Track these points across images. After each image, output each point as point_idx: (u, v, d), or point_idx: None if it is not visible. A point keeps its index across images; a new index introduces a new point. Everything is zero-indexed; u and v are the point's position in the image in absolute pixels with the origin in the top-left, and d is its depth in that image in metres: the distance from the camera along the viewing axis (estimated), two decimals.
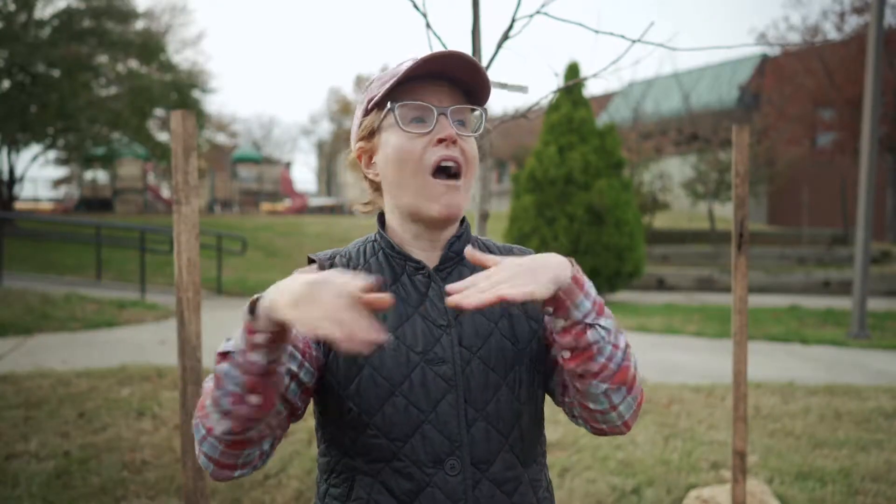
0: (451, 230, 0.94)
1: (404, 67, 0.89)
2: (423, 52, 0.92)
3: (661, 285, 11.50)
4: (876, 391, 4.53)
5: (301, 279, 0.72)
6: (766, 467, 3.08)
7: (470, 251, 0.80)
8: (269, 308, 0.73)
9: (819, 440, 3.45)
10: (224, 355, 0.77)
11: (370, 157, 0.95)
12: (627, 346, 0.85)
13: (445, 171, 0.89)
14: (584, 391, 0.84)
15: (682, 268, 12.29)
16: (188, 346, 1.59)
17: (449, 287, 0.77)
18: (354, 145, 0.97)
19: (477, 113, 0.93)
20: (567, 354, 0.82)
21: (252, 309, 0.76)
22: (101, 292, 8.10)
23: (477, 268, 0.94)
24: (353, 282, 0.70)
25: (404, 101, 0.88)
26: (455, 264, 0.93)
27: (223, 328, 6.85)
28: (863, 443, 3.41)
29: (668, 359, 5.73)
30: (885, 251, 12.71)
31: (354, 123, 0.97)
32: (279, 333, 0.74)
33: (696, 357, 5.85)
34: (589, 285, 0.83)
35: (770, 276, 11.36)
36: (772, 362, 5.57)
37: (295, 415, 0.87)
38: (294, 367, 0.84)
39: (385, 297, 0.71)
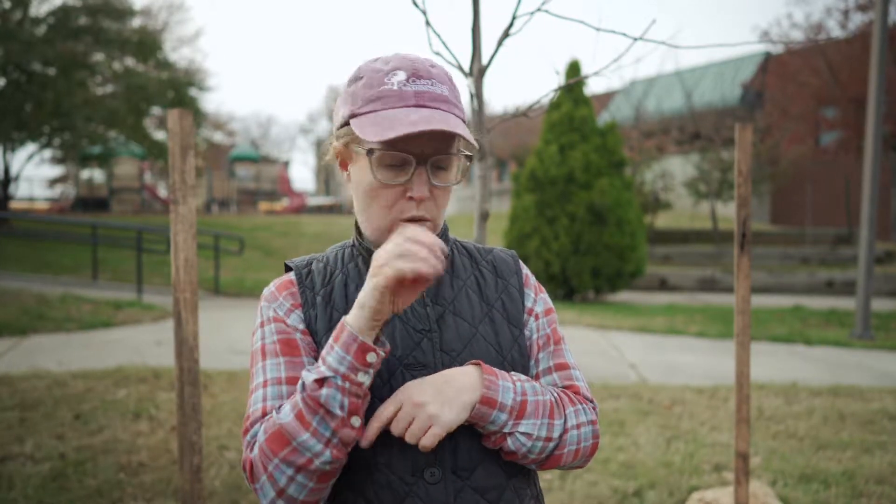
0: None
1: (388, 87, 0.84)
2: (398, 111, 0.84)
3: (662, 285, 11.47)
4: (880, 392, 4.50)
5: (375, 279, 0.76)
6: (769, 469, 3.05)
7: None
8: (372, 314, 0.76)
9: (823, 442, 3.43)
10: (322, 381, 0.76)
11: (345, 161, 0.92)
12: (566, 430, 0.87)
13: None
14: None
15: (684, 268, 12.26)
16: (185, 347, 1.58)
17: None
18: (333, 140, 0.93)
19: (462, 161, 0.88)
20: (487, 445, 0.86)
21: (344, 329, 0.78)
22: (98, 293, 8.09)
23: (455, 271, 0.94)
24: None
25: (385, 151, 0.83)
26: None
27: (221, 328, 6.83)
28: (867, 445, 3.38)
29: (670, 360, 5.69)
30: (889, 251, 12.66)
31: (336, 112, 0.92)
32: (385, 350, 0.78)
33: (699, 358, 5.81)
34: (503, 394, 0.83)
35: (773, 277, 11.31)
36: (775, 363, 5.54)
37: None
38: None
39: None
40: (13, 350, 5.22)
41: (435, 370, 0.85)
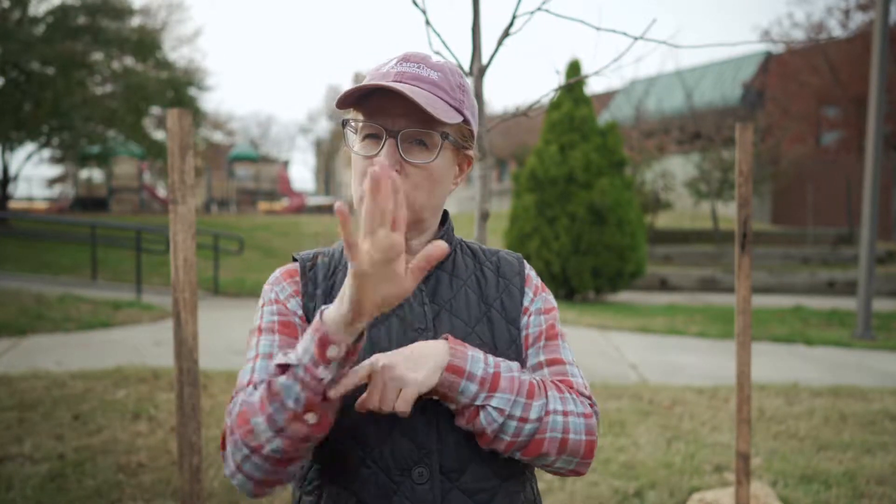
0: (423, 235, 0.91)
1: (377, 70, 0.87)
2: (385, 60, 0.88)
3: (663, 285, 11.45)
4: (881, 393, 4.49)
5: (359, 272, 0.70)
6: (770, 470, 3.04)
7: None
8: (351, 306, 0.69)
9: (824, 442, 3.42)
10: (284, 368, 0.73)
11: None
12: (546, 413, 0.82)
13: None
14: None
15: (684, 268, 12.24)
16: (185, 348, 1.57)
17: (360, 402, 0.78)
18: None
19: (441, 134, 0.85)
20: (459, 424, 0.83)
21: (323, 320, 0.72)
22: (97, 293, 8.07)
23: (456, 270, 0.93)
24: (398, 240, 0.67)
25: (355, 119, 0.86)
26: (434, 268, 0.91)
27: (220, 329, 6.83)
28: (868, 445, 3.37)
29: (671, 360, 5.69)
30: (890, 251, 12.64)
31: None
32: (355, 346, 0.73)
33: (699, 358, 5.80)
34: (472, 363, 0.80)
35: (774, 277, 11.30)
36: (776, 363, 5.53)
37: None
38: None
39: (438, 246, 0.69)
40: (12, 350, 5.21)
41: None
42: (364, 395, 0.78)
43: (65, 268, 10.08)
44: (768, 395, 4.37)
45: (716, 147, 13.87)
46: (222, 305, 8.23)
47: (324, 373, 0.71)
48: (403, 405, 0.77)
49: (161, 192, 22.28)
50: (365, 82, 0.84)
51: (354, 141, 0.88)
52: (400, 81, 0.84)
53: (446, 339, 0.83)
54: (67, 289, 8.01)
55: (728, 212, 15.26)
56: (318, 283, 0.90)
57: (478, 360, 0.81)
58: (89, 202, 19.92)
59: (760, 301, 9.32)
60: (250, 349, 0.86)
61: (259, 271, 10.94)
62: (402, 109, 0.83)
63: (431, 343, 0.81)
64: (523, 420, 0.80)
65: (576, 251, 9.52)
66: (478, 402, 0.80)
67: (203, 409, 3.62)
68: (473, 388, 0.80)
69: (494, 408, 0.80)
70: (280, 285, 0.90)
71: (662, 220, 15.32)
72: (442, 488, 0.84)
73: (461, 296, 0.91)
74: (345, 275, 0.90)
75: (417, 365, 0.78)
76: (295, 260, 0.94)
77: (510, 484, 0.88)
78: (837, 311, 8.40)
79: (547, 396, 0.83)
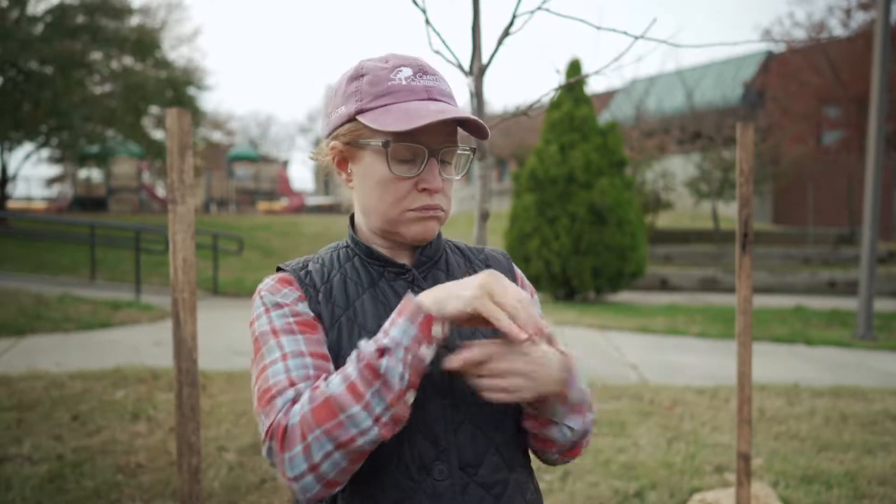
0: None
1: (397, 82, 0.86)
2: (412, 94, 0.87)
3: (663, 285, 11.44)
4: (882, 393, 4.48)
5: (479, 277, 0.78)
6: (770, 470, 3.03)
7: (450, 362, 0.80)
8: (459, 299, 0.76)
9: (825, 443, 3.41)
10: (383, 351, 0.74)
11: (345, 160, 0.92)
12: (589, 427, 0.90)
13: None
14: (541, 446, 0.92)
15: (685, 268, 12.23)
16: (184, 348, 1.57)
17: (449, 360, 0.79)
18: (328, 139, 0.92)
19: (465, 153, 0.92)
20: (527, 426, 0.88)
21: (411, 304, 0.77)
22: (96, 293, 8.06)
23: (450, 269, 0.94)
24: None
25: (399, 143, 0.85)
26: (429, 268, 0.93)
27: (220, 329, 6.82)
28: (869, 446, 3.36)
29: (671, 360, 5.67)
30: (891, 251, 12.62)
31: (334, 112, 0.91)
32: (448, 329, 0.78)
33: (700, 358, 5.79)
34: (574, 387, 0.85)
35: (775, 277, 11.29)
36: (776, 364, 5.52)
37: None
38: None
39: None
40: (11, 350, 5.21)
41: (438, 368, 0.86)
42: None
43: (64, 268, 10.07)
44: (769, 395, 4.36)
45: (716, 147, 13.85)
46: (222, 305, 8.23)
47: (426, 352, 0.75)
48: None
49: (160, 191, 22.27)
50: (395, 101, 0.85)
51: (375, 161, 0.87)
52: (433, 99, 0.87)
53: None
54: (66, 289, 8.00)
55: (729, 212, 15.25)
56: (317, 288, 0.89)
57: (578, 384, 0.86)
58: (88, 202, 19.91)
59: (761, 301, 9.31)
60: (270, 352, 0.83)
61: (258, 271, 10.94)
62: (441, 129, 0.85)
63: (558, 358, 0.83)
64: (582, 434, 0.89)
65: (576, 251, 9.51)
66: (556, 419, 0.86)
67: (202, 409, 3.62)
68: (564, 409, 0.85)
69: (568, 427, 0.86)
70: (281, 292, 0.88)
71: (663, 220, 15.31)
72: (461, 484, 0.84)
73: None
74: (342, 277, 0.89)
75: (536, 380, 0.82)
76: (281, 270, 0.93)
77: (518, 474, 0.90)
78: (838, 311, 8.39)
79: (592, 412, 0.91)
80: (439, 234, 0.95)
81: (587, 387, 0.88)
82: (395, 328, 0.75)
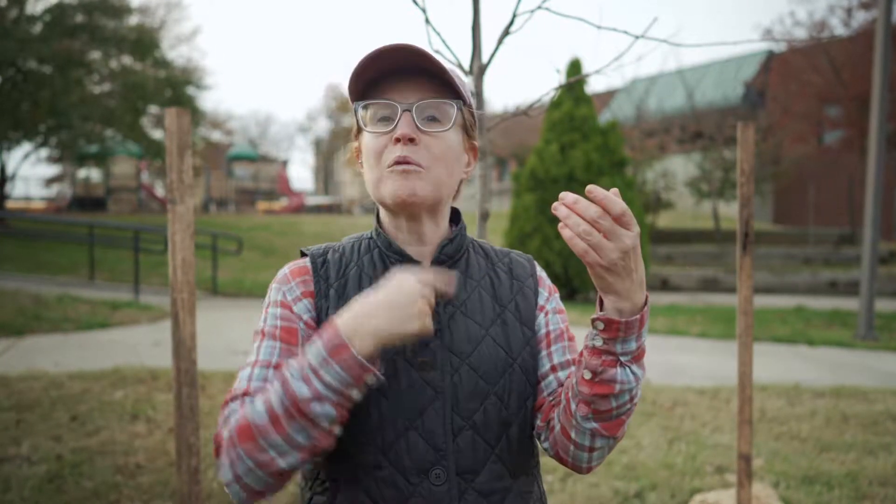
0: (440, 229, 0.91)
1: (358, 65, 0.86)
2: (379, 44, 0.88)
3: (664, 286, 11.43)
4: (883, 394, 4.47)
5: (375, 298, 0.76)
6: (771, 471, 3.02)
7: (593, 189, 0.76)
8: (375, 338, 0.74)
9: (826, 443, 3.40)
10: (320, 398, 0.72)
11: (359, 155, 0.94)
12: (634, 396, 0.82)
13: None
14: (572, 421, 0.82)
15: (686, 268, 12.22)
16: (183, 348, 1.56)
17: (591, 188, 0.75)
18: (352, 143, 0.96)
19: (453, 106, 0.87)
20: (588, 375, 0.79)
21: (346, 350, 0.73)
22: (95, 293, 8.06)
23: (469, 270, 0.93)
24: (422, 281, 0.76)
25: (368, 101, 0.87)
26: (447, 267, 0.92)
27: (219, 329, 6.81)
28: (870, 446, 3.35)
29: (672, 360, 5.66)
30: (893, 251, 12.60)
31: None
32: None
33: (701, 359, 5.78)
34: (646, 329, 0.79)
35: (776, 277, 11.27)
36: (777, 364, 5.51)
37: None
38: None
39: (448, 283, 0.76)
40: (10, 351, 5.20)
41: (443, 372, 0.84)
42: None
43: (62, 268, 10.06)
44: (770, 395, 4.35)
45: (717, 146, 13.84)
46: (221, 306, 8.22)
47: (357, 394, 0.74)
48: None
49: (159, 191, 22.26)
50: (370, 54, 0.84)
51: (366, 124, 0.88)
52: (394, 46, 0.85)
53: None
54: (65, 289, 8.00)
55: (729, 211, 15.24)
56: (330, 282, 0.89)
57: (647, 330, 0.80)
58: (87, 202, 19.86)
59: (762, 301, 9.29)
60: (251, 353, 0.85)
61: (258, 271, 10.93)
62: (414, 87, 0.85)
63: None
64: (632, 399, 0.80)
65: None
66: (623, 360, 0.77)
67: (201, 409, 3.61)
68: (633, 346, 0.77)
69: (634, 373, 0.78)
70: (288, 286, 0.88)
71: (663, 220, 15.29)
72: (459, 489, 0.83)
73: (475, 297, 0.90)
74: (358, 271, 0.89)
75: (632, 273, 0.75)
76: (304, 255, 0.93)
77: (521, 483, 0.88)
78: (839, 311, 8.37)
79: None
80: (462, 231, 0.93)
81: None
82: (327, 372, 0.72)
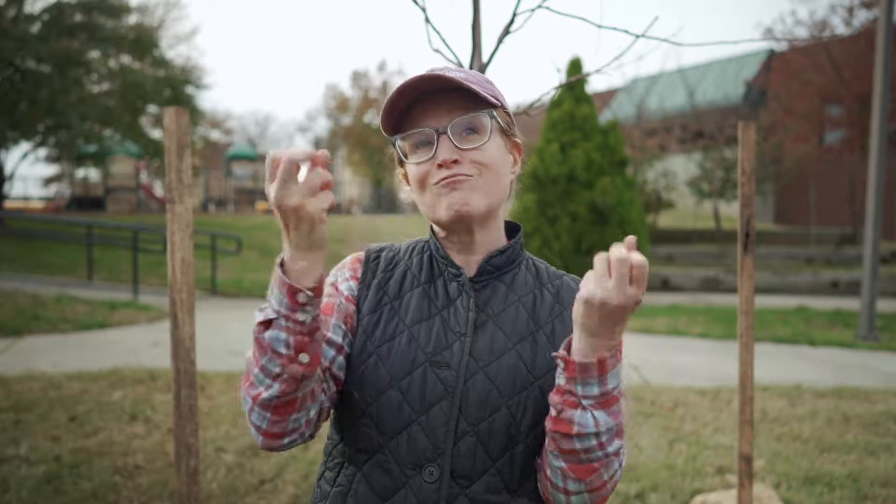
0: (490, 237, 0.93)
1: (390, 99, 0.89)
2: (411, 73, 0.90)
3: (665, 286, 11.41)
4: (885, 394, 4.46)
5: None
6: (772, 472, 3.01)
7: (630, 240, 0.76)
8: (291, 258, 0.75)
9: (827, 444, 3.39)
10: (267, 323, 0.77)
11: (407, 181, 0.96)
12: (616, 454, 0.80)
13: None
14: (547, 456, 0.82)
15: (686, 268, 12.20)
16: (182, 349, 1.55)
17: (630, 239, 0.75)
18: (398, 169, 0.99)
19: (485, 116, 0.89)
20: (552, 412, 0.80)
21: (284, 272, 0.77)
22: (93, 293, 8.05)
23: (514, 285, 0.93)
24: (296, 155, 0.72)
25: (403, 134, 0.89)
26: (492, 278, 0.93)
27: (218, 329, 6.82)
28: (872, 447, 3.34)
29: (673, 361, 5.65)
30: (894, 251, 12.58)
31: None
32: (317, 289, 0.77)
33: (702, 359, 5.77)
34: (613, 373, 0.77)
35: (777, 277, 11.25)
36: (779, 364, 5.49)
37: (340, 388, 0.89)
38: (339, 340, 0.88)
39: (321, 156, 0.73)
40: (8, 351, 5.20)
41: (459, 373, 0.85)
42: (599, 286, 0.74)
43: (61, 268, 10.04)
44: (771, 396, 4.34)
45: (718, 146, 13.82)
46: (220, 306, 8.21)
47: (302, 316, 0.75)
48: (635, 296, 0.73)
49: (158, 191, 22.24)
50: (394, 93, 0.86)
51: (406, 156, 0.91)
52: (421, 75, 0.87)
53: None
54: (63, 289, 7.99)
55: (730, 211, 15.22)
56: (376, 274, 0.94)
57: (617, 373, 0.78)
58: (86, 201, 19.81)
59: (763, 301, 9.28)
60: None
61: (257, 271, 10.92)
62: (445, 108, 0.87)
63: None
64: (601, 445, 0.78)
65: (577, 251, 9.49)
66: (586, 404, 0.77)
67: (200, 410, 3.60)
68: (595, 391, 0.76)
69: (595, 417, 0.77)
70: (342, 270, 0.96)
71: (664, 220, 15.27)
72: (450, 492, 0.83)
73: (511, 310, 0.91)
74: (404, 269, 0.94)
75: (614, 326, 0.75)
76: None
77: (520, 502, 0.87)
78: (841, 311, 8.35)
79: (623, 440, 0.82)
80: (516, 245, 0.94)
81: (622, 402, 0.79)
82: (273, 298, 0.77)
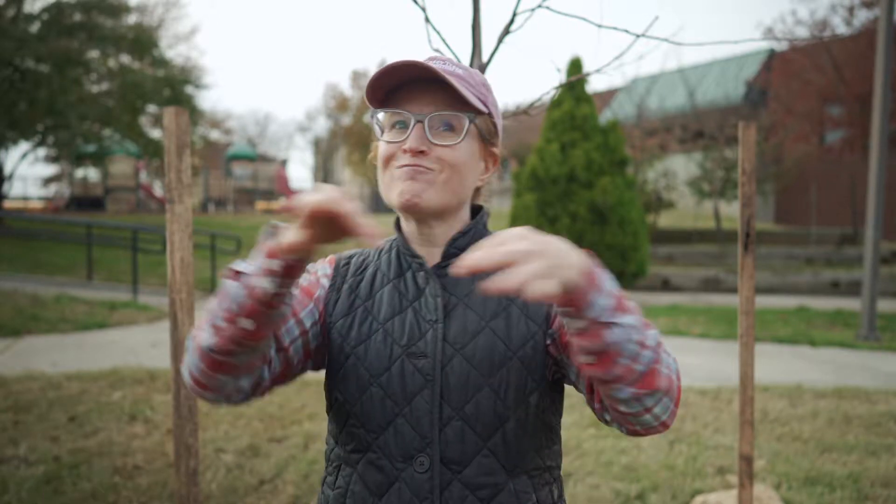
0: (453, 229, 0.92)
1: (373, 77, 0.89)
2: (407, 54, 0.90)
3: (665, 286, 11.40)
4: (886, 394, 4.45)
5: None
6: (773, 472, 3.01)
7: (456, 267, 0.68)
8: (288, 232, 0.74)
9: (827, 444, 3.38)
10: (236, 273, 0.77)
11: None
12: (659, 343, 0.74)
13: None
14: (612, 395, 0.75)
15: (687, 268, 12.20)
16: (181, 349, 1.55)
17: (454, 267, 0.68)
18: (374, 142, 0.98)
19: (467, 117, 0.89)
20: (587, 359, 0.73)
21: (273, 233, 0.76)
22: (93, 293, 8.05)
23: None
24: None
25: (383, 110, 0.90)
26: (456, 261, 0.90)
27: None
28: (872, 447, 3.33)
29: None
30: (895, 251, 12.57)
31: None
32: (294, 265, 0.75)
33: (702, 359, 5.76)
34: (605, 279, 0.72)
35: (777, 277, 11.25)
36: (779, 364, 5.49)
37: (287, 374, 0.88)
38: (307, 324, 0.88)
39: (369, 231, 0.70)
40: (7, 351, 5.20)
41: (435, 360, 0.85)
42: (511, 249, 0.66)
43: (60, 268, 10.03)
44: (772, 396, 4.33)
45: (718, 146, 13.82)
46: None
47: (265, 283, 0.74)
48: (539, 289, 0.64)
49: (158, 191, 22.23)
50: (388, 66, 0.87)
51: (382, 132, 0.91)
52: (415, 61, 0.87)
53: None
54: (63, 289, 7.98)
55: (731, 211, 15.22)
56: (346, 278, 0.95)
57: (607, 279, 0.72)
58: (85, 201, 19.78)
59: (764, 301, 9.27)
60: None
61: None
62: (430, 98, 0.87)
63: (566, 244, 0.71)
64: (643, 345, 0.71)
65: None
66: (604, 319, 0.70)
67: (200, 410, 3.60)
68: (604, 301, 0.70)
69: (623, 324, 0.70)
70: (322, 265, 0.97)
71: (665, 220, 15.27)
72: (442, 479, 0.84)
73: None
74: (374, 270, 0.95)
75: (558, 269, 0.67)
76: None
77: (518, 482, 0.86)
78: (842, 311, 8.35)
79: (654, 330, 0.75)
80: (478, 224, 0.93)
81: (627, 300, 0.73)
82: (257, 257, 0.77)
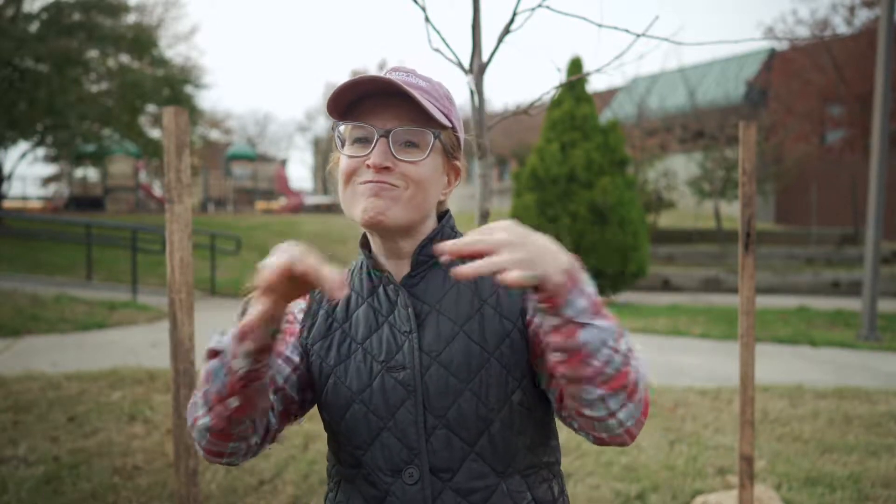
0: (415, 239, 0.91)
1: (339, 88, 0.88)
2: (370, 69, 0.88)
3: (666, 286, 11.40)
4: (886, 394, 4.45)
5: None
6: (773, 473, 3.01)
7: (439, 248, 0.71)
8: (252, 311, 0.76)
9: (828, 445, 3.38)
10: (215, 353, 0.78)
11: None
12: (630, 350, 0.76)
13: None
14: (579, 396, 0.76)
15: (687, 268, 12.19)
16: (181, 349, 1.55)
17: (438, 247, 0.71)
18: (333, 154, 0.97)
19: (432, 134, 0.87)
20: (558, 356, 0.74)
21: (244, 312, 0.77)
22: (92, 293, 8.05)
23: (452, 269, 0.88)
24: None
25: (345, 122, 0.89)
26: (427, 269, 0.91)
27: (217, 330, 6.87)
28: (873, 448, 3.33)
29: (674, 361, 5.64)
30: None
31: None
32: (268, 345, 0.77)
33: (702, 359, 5.76)
34: (585, 282, 0.74)
35: (778, 277, 11.24)
36: (780, 365, 5.49)
37: (292, 411, 0.91)
38: (297, 359, 0.90)
39: (336, 289, 0.70)
40: (7, 351, 5.20)
41: (414, 371, 0.85)
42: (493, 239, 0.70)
43: (60, 268, 10.03)
44: (772, 396, 4.33)
45: (719, 145, 13.81)
46: (219, 306, 8.20)
47: (239, 364, 0.76)
48: (515, 278, 0.67)
49: (157, 191, 22.22)
50: (349, 82, 0.86)
51: (344, 144, 0.89)
52: (378, 76, 0.86)
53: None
54: (62, 289, 7.98)
55: (731, 211, 15.21)
56: (321, 304, 0.94)
57: (590, 282, 0.75)
58: (85, 201, 19.74)
59: (764, 301, 9.27)
60: None
61: (256, 271, 10.91)
62: (394, 112, 0.86)
63: (549, 239, 0.74)
64: (615, 350, 0.73)
65: (577, 251, 9.47)
66: (581, 320, 0.72)
67: None
68: (582, 303, 0.72)
69: (597, 326, 0.72)
70: (298, 301, 0.96)
71: (665, 220, 15.27)
72: (433, 489, 0.84)
73: (452, 293, 0.89)
74: (349, 291, 0.93)
75: (541, 260, 0.70)
76: None
77: (511, 483, 0.86)
78: (842, 311, 8.34)
79: (627, 340, 0.77)
80: (444, 228, 0.92)
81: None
82: (230, 331, 0.78)
